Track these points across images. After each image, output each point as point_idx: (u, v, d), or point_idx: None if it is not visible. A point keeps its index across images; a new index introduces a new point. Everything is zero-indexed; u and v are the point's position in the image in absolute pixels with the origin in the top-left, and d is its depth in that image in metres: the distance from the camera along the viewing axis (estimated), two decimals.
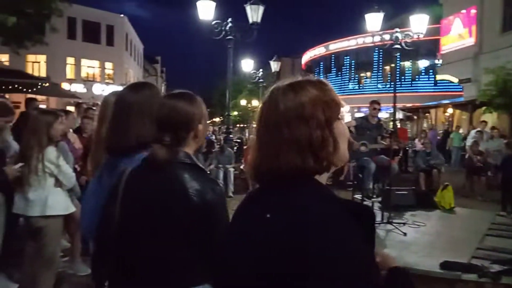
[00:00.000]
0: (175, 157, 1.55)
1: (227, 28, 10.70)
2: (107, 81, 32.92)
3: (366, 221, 0.98)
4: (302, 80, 1.10)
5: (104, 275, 1.60)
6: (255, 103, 35.15)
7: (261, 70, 20.02)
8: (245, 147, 13.41)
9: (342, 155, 1.07)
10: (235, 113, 37.62)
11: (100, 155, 1.98)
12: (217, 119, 46.68)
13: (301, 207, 0.95)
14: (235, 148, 12.57)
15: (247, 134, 29.68)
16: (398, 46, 10.47)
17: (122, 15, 35.85)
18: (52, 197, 3.53)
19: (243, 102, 38.45)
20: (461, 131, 17.61)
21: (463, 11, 20.83)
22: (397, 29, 10.60)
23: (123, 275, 1.56)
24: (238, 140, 14.67)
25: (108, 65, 34.29)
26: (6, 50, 7.76)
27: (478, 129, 13.61)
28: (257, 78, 19.67)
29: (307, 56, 45.14)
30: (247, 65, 17.88)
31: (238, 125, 41.84)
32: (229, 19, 10.72)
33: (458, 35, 21.50)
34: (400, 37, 10.39)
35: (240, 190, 9.79)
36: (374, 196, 6.72)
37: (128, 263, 1.55)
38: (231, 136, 12.22)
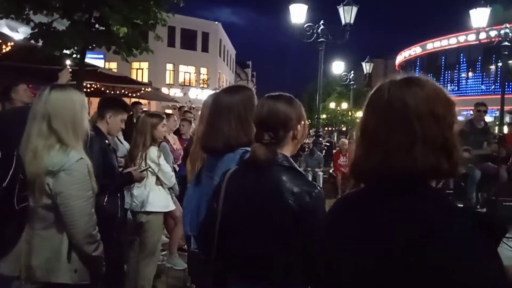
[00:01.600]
0: (274, 158, 1.57)
1: (319, 30, 10.62)
2: (202, 85, 34.61)
3: (497, 236, 0.90)
4: (418, 76, 1.03)
5: (206, 272, 1.67)
6: (345, 105, 34.39)
7: (352, 72, 19.57)
8: (334, 150, 13.21)
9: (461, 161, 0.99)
10: (324, 116, 37.17)
11: (197, 154, 2.08)
12: (306, 122, 46.58)
13: (432, 215, 0.89)
14: (324, 151, 12.42)
15: (335, 138, 29.17)
16: (507, 43, 9.56)
17: (216, 22, 37.42)
18: (153, 195, 3.77)
19: (332, 105, 37.89)
20: None
21: None
22: (506, 25, 9.67)
23: (226, 271, 1.62)
24: (327, 144, 14.48)
25: (203, 71, 35.98)
26: (115, 58, 8.52)
27: None
28: (348, 80, 19.24)
29: (401, 57, 43.11)
30: (338, 67, 17.60)
31: (326, 128, 41.30)
32: (321, 21, 10.64)
33: None
34: (510, 34, 9.48)
35: (329, 194, 9.65)
36: (478, 207, 6.18)
37: (231, 259, 1.61)
38: (320, 139, 12.11)
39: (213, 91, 2.86)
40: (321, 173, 10.11)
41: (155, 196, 3.78)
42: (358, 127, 1.07)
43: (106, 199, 2.88)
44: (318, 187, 1.56)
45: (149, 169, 3.71)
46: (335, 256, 1.04)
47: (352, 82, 19.22)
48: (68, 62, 7.41)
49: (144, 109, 8.83)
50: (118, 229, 3.07)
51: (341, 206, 1.13)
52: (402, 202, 0.94)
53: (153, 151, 3.76)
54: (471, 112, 6.49)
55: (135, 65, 30.18)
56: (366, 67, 18.37)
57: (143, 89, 12.88)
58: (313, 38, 10.71)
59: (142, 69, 31.64)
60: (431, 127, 0.94)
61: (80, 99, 2.10)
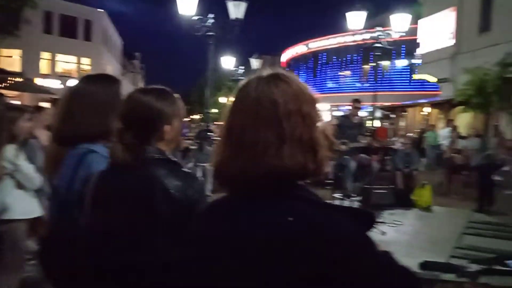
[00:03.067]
0: (141, 156, 1.41)
1: (208, 24, 10.55)
2: None
3: (369, 224, 0.95)
4: (283, 72, 0.99)
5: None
6: None
7: (241, 67, 19.92)
8: None
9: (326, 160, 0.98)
10: (214, 110, 37.37)
11: (53, 149, 1.83)
12: (196, 117, 46.36)
13: (310, 216, 0.88)
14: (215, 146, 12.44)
15: None
16: (379, 45, 10.54)
17: (100, 10, 35.18)
18: (12, 200, 3.32)
19: (222, 99, 38.25)
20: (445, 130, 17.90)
21: (443, 11, 21.15)
22: (379, 28, 10.65)
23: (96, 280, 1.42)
24: (218, 138, 14.53)
25: (85, 61, 33.60)
26: None
27: (450, 128, 13.83)
28: (238, 75, 19.56)
29: (288, 54, 45.24)
30: (228, 62, 17.75)
31: (217, 122, 41.59)
32: (211, 15, 10.58)
33: (436, 35, 21.82)
34: (381, 36, 10.46)
35: (219, 189, 9.67)
36: (354, 195, 6.71)
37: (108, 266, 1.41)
38: (210, 133, 12.08)
39: None
40: (211, 168, 10.08)
41: (15, 202, 3.32)
42: (223, 126, 1.00)
43: None
44: (198, 178, 1.47)
45: (4, 170, 3.25)
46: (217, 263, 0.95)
47: (241, 78, 19.58)
48: None
49: (15, 102, 7.86)
50: None
51: (212, 214, 1.04)
52: (277, 204, 0.90)
53: (9, 150, 3.28)
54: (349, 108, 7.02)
55: (4, 52, 26.90)
56: (255, 63, 18.85)
57: (10, 79, 11.48)
58: (202, 32, 10.61)
59: (12, 57, 28.29)
60: (299, 125, 0.92)
61: None
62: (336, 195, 6.64)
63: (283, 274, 0.84)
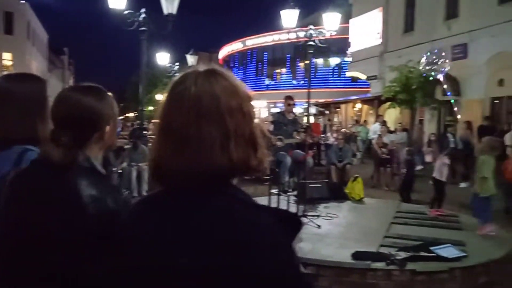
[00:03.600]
0: (73, 160, 1.32)
1: (140, 19, 10.20)
2: (5, 72, 30.00)
3: (296, 229, 0.94)
4: (219, 68, 0.98)
5: None
6: None
7: (177, 64, 19.56)
8: None
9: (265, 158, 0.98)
10: (150, 108, 36.39)
11: None
12: (131, 114, 44.89)
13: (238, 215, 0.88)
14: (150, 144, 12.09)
15: None
16: (312, 43, 10.77)
17: (23, 1, 32.83)
18: None
19: (158, 96, 37.36)
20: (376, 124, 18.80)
21: (371, 11, 22.17)
22: (311, 27, 10.88)
23: None
24: (154, 134, 14.16)
25: (7, 56, 31.29)
26: None
27: (379, 123, 14.59)
28: (173, 72, 19.19)
29: (225, 51, 45.18)
30: (163, 58, 17.34)
31: (153, 120, 40.55)
32: (143, 10, 10.24)
33: (366, 34, 22.85)
34: (314, 35, 10.70)
35: (155, 189, 9.42)
36: (290, 190, 6.83)
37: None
38: (145, 132, 11.73)
39: None
40: (146, 167, 9.78)
41: None
42: (159, 121, 0.96)
43: None
44: (123, 192, 1.39)
45: None
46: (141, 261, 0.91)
47: (177, 74, 19.19)
48: None
49: None
50: None
51: (144, 211, 0.99)
52: (216, 202, 0.89)
53: None
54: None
55: None
56: (190, 59, 18.58)
57: None
58: (134, 27, 10.24)
59: None
60: (240, 122, 0.91)
61: None
62: (273, 190, 6.71)
63: (212, 276, 0.83)
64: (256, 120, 0.97)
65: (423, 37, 17.79)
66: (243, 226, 0.86)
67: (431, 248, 4.68)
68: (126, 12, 9.98)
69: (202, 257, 0.84)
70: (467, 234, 5.56)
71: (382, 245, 4.94)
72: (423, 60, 8.82)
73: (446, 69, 8.88)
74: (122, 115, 34.10)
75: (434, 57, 8.60)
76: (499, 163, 9.98)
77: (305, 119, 12.47)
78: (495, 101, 15.16)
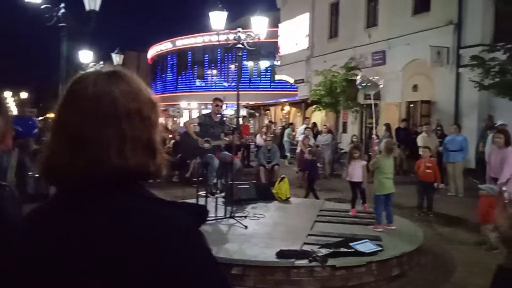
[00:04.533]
0: None
1: (60, 14, 9.63)
2: None
3: (203, 220, 0.95)
4: (124, 70, 0.97)
5: None
6: None
7: (101, 62, 18.74)
8: None
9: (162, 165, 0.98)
10: None
11: None
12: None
13: (147, 214, 0.86)
14: None
15: None
16: (241, 46, 10.88)
17: None
18: None
19: None
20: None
21: (298, 17, 22.86)
22: (240, 29, 10.99)
23: None
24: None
25: None
26: None
27: (305, 125, 15.11)
28: None
29: (154, 51, 44.12)
30: (86, 56, 16.53)
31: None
32: (62, 5, 9.68)
33: (293, 39, 23.51)
34: (242, 37, 10.81)
35: None
36: (218, 191, 6.83)
37: None
38: None
39: None
40: None
41: None
42: (55, 119, 0.93)
43: None
44: (8, 187, 1.30)
45: None
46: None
47: None
48: None
49: None
50: None
51: (43, 215, 0.95)
52: (120, 203, 0.87)
53: None
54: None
55: None
56: (116, 58, 17.91)
57: None
58: (53, 22, 9.65)
59: None
60: (138, 126, 0.90)
61: None
62: (201, 192, 6.67)
63: (119, 276, 0.81)
64: (158, 126, 0.97)
65: (346, 43, 18.72)
66: (149, 222, 0.85)
67: (351, 244, 4.93)
68: (43, 6, 9.40)
69: (106, 258, 0.82)
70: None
71: (305, 243, 5.11)
72: (362, 74, 9.47)
73: (381, 86, 9.52)
74: (42, 116, 31.95)
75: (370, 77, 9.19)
76: (412, 163, 10.81)
77: (235, 121, 12.57)
78: (411, 105, 16.33)
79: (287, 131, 17.53)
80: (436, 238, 6.42)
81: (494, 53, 9.61)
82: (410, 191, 8.67)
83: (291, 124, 19.37)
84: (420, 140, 10.63)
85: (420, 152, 8.55)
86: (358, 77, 9.72)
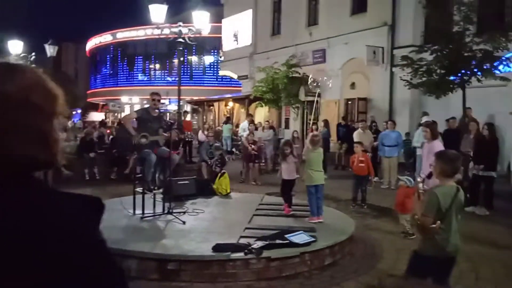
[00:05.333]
0: None
1: None
2: None
3: (99, 212, 0.96)
4: (21, 63, 0.97)
5: None
6: None
7: (33, 53, 17.73)
8: None
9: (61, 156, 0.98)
10: None
11: None
12: None
13: (40, 207, 0.86)
14: None
15: None
16: (182, 40, 10.75)
17: None
18: None
19: None
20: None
21: (241, 13, 22.93)
22: (181, 23, 10.85)
23: None
24: None
25: None
26: None
27: (246, 121, 15.29)
28: (29, 62, 17.33)
29: (92, 43, 42.37)
30: (15, 46, 15.56)
31: None
32: None
33: (236, 35, 23.57)
34: (183, 32, 10.68)
35: None
36: (156, 188, 6.73)
37: None
38: None
39: None
40: None
41: None
42: None
43: None
44: None
45: None
46: None
47: (33, 65, 17.38)
48: None
49: None
50: None
51: None
52: (11, 195, 0.85)
53: None
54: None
55: None
56: (50, 49, 17.01)
57: None
58: None
59: None
60: (29, 116, 0.90)
61: None
62: (138, 189, 6.55)
63: (17, 270, 0.80)
64: (56, 117, 0.97)
65: (289, 41, 19.08)
66: (43, 214, 0.85)
67: (286, 235, 5.08)
68: None
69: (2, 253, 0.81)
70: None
71: (242, 236, 5.19)
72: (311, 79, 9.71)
73: (329, 86, 9.86)
74: None
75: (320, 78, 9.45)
76: (348, 157, 11.26)
77: (178, 116, 12.42)
78: (349, 102, 16.98)
79: (226, 126, 17.64)
80: (368, 228, 6.76)
81: (422, 54, 10.23)
82: (348, 184, 9.04)
83: (228, 118, 19.52)
84: (356, 135, 11.10)
85: (354, 148, 8.93)
86: (310, 77, 9.99)
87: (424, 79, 10.01)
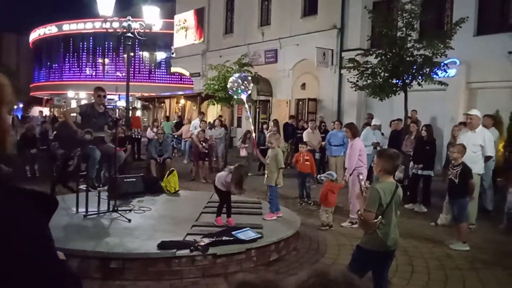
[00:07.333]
0: None
1: None
2: None
3: (52, 209, 0.97)
4: None
5: None
6: None
7: None
8: None
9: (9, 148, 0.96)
10: None
11: None
12: None
13: None
14: None
15: None
16: (131, 35, 10.48)
17: None
18: None
19: None
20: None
21: (194, 9, 22.71)
22: (129, 17, 10.58)
23: None
24: None
25: None
26: None
27: (199, 118, 15.22)
28: None
29: (36, 34, 40.32)
30: None
31: None
32: None
33: (189, 31, 23.31)
34: (134, 26, 10.42)
35: None
36: (100, 185, 6.55)
37: None
38: None
39: None
40: None
41: None
42: None
43: None
44: None
45: None
46: None
47: None
48: None
49: None
50: None
51: None
52: None
53: None
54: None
55: None
56: None
57: None
58: None
59: None
60: None
61: None
62: (82, 186, 6.34)
63: None
64: (5, 104, 0.95)
65: (241, 40, 19.14)
66: None
67: (233, 232, 5.12)
68: None
69: None
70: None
71: (189, 234, 5.17)
72: (232, 79, 9.61)
73: (249, 92, 9.82)
74: None
75: (241, 80, 9.40)
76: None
77: (128, 112, 12.10)
78: (300, 102, 17.31)
79: (167, 124, 17.54)
80: (313, 224, 6.95)
81: (368, 57, 10.62)
82: (296, 182, 9.22)
83: (167, 117, 19.47)
84: (305, 135, 11.34)
85: (300, 147, 9.14)
86: (229, 81, 9.97)
87: (369, 81, 10.39)
